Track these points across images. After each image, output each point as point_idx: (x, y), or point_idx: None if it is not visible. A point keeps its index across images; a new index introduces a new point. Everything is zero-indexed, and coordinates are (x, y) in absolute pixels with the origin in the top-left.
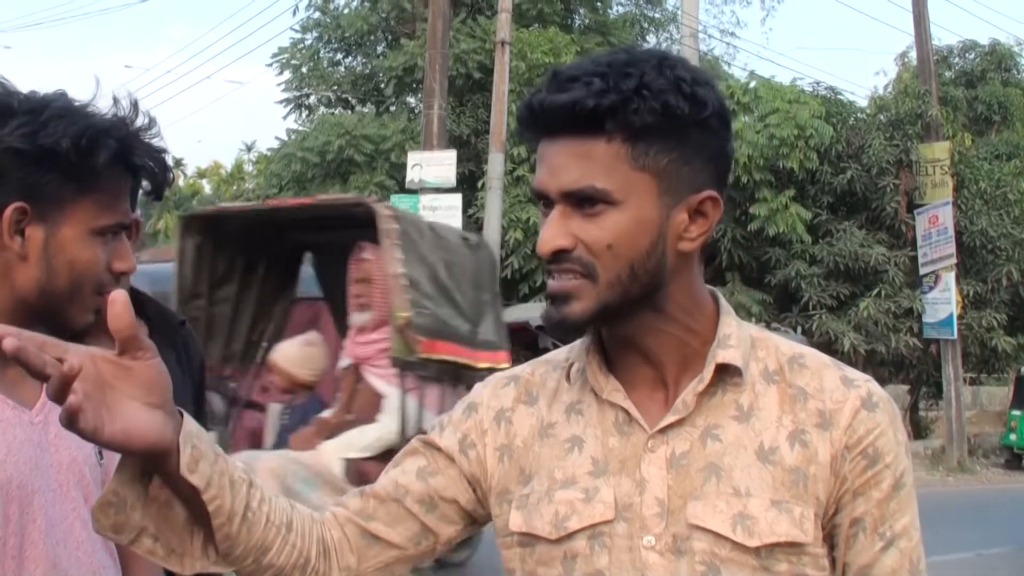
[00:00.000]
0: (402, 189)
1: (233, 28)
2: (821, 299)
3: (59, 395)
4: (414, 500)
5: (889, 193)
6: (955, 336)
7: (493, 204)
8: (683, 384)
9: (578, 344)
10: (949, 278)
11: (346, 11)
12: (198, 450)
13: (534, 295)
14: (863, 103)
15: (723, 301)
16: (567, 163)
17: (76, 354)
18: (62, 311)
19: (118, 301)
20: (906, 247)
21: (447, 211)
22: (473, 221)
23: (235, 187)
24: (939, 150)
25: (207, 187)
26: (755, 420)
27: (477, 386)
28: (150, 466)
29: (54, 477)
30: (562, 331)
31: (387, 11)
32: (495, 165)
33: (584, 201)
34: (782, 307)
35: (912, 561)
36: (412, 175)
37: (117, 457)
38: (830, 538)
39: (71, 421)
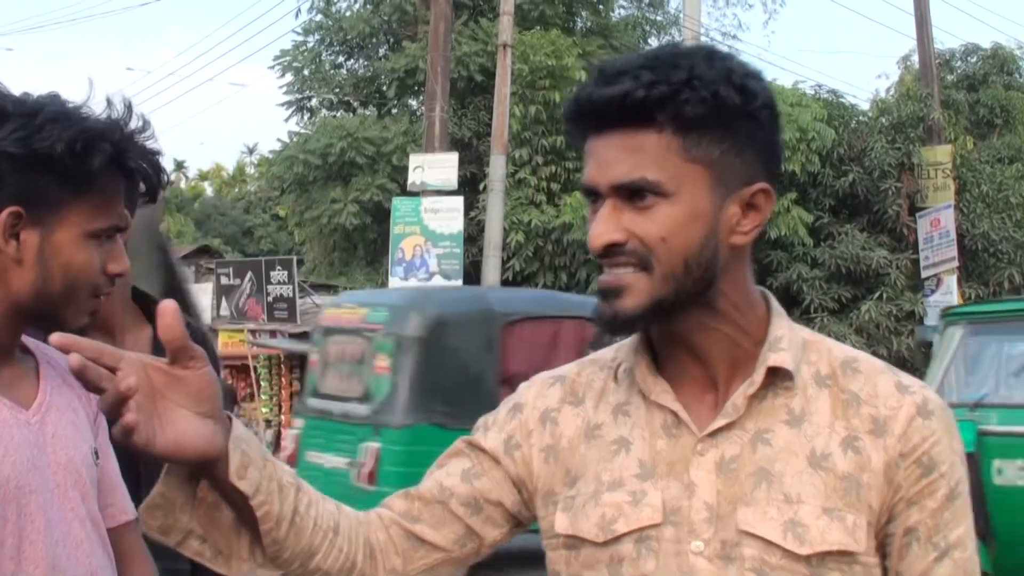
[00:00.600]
0: (404, 191)
1: (235, 31)
2: (823, 302)
3: (114, 411)
4: (459, 503)
5: (891, 196)
6: None
7: (494, 207)
8: (733, 386)
9: (626, 343)
10: (951, 281)
11: (348, 14)
12: (247, 456)
13: None
14: (865, 106)
15: (774, 302)
16: (617, 156)
17: (130, 365)
18: (58, 314)
19: (168, 312)
20: (908, 250)
21: (449, 213)
22: (475, 224)
23: (236, 189)
24: (941, 153)
25: (209, 189)
26: (807, 425)
27: (522, 386)
28: (199, 471)
29: (51, 477)
30: (613, 327)
31: (389, 14)
32: (496, 168)
33: (635, 194)
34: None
35: (966, 572)
36: (414, 178)
37: (113, 458)
38: (882, 547)
39: (125, 437)
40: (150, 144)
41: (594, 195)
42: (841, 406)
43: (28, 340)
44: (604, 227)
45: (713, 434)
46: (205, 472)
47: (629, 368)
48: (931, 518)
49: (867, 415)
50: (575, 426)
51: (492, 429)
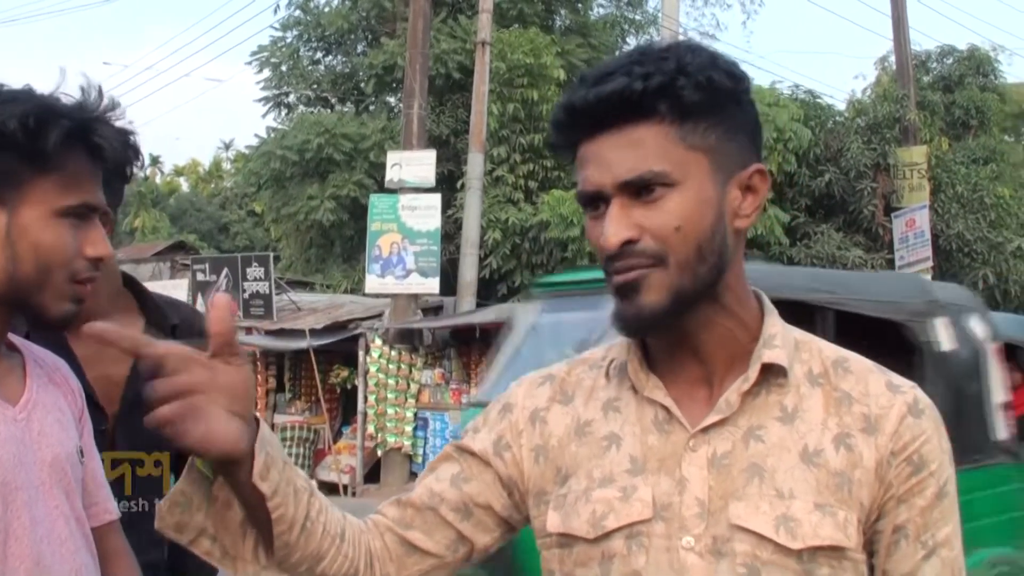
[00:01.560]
0: (381, 188)
1: (213, 26)
2: None
3: (159, 403)
4: (449, 508)
5: (867, 196)
6: None
7: (472, 204)
8: (727, 382)
9: (618, 341)
10: None
11: (327, 10)
12: (270, 457)
13: (512, 296)
14: (842, 107)
15: (767, 300)
16: (619, 154)
17: (176, 359)
18: (34, 299)
19: (221, 304)
20: (883, 250)
21: (426, 211)
22: (452, 221)
23: (213, 185)
24: (916, 154)
25: (185, 185)
26: (799, 422)
27: (512, 386)
28: (221, 469)
29: (36, 474)
30: (639, 325)
31: (367, 10)
32: (474, 165)
33: (643, 189)
34: None
35: (954, 571)
36: (391, 175)
37: (97, 457)
38: (870, 544)
39: (160, 427)
40: (119, 123)
41: (595, 201)
42: (833, 404)
43: (14, 338)
44: (617, 226)
45: (705, 430)
46: (227, 471)
47: (621, 364)
48: (920, 516)
49: (859, 413)
50: (564, 425)
51: (482, 431)
